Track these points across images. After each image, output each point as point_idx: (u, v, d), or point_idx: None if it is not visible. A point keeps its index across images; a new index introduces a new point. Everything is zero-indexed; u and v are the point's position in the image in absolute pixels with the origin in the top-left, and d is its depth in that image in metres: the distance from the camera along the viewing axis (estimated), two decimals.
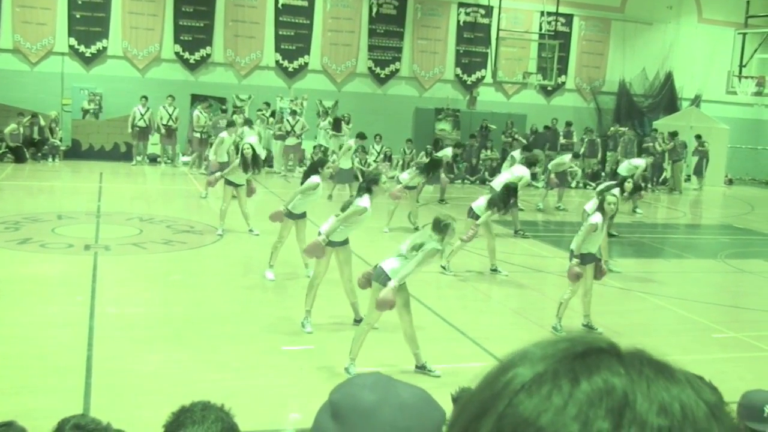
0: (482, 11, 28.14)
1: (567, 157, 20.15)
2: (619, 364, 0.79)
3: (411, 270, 7.71)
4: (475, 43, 28.34)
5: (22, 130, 22.60)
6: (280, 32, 26.20)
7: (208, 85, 25.61)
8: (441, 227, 7.91)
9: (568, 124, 27.00)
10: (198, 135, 23.43)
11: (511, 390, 0.79)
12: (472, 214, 12.30)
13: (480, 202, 12.36)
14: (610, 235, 15.86)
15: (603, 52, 30.21)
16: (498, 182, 15.22)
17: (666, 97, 30.71)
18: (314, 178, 10.76)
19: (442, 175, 19.09)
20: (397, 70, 27.58)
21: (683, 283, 13.63)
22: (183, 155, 24.43)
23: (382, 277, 7.73)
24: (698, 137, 27.21)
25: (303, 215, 11.21)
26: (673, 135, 26.55)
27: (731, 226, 20.87)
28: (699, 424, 0.76)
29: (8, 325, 8.73)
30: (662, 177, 27.42)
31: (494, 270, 12.63)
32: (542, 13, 28.21)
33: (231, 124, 19.23)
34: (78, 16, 24.41)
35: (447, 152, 19.61)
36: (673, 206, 24.56)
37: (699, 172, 28.17)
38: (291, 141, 23.27)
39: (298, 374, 7.82)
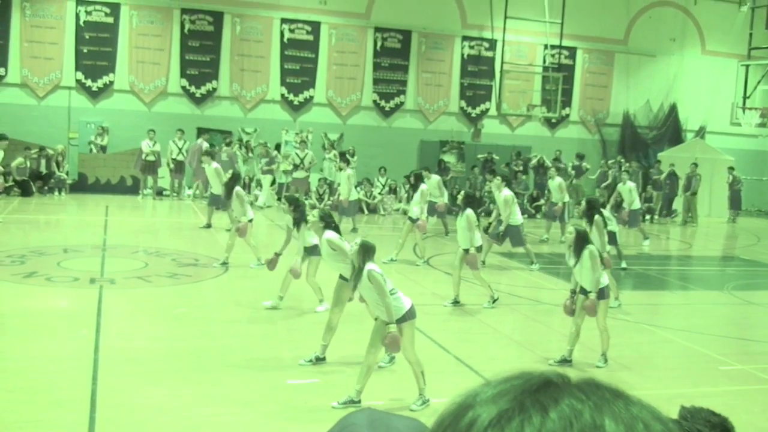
0: (486, 44, 28.34)
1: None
2: (579, 391, 0.81)
3: (387, 301, 7.67)
4: (479, 76, 28.52)
5: (29, 163, 22.75)
6: (286, 66, 26.40)
7: (214, 118, 25.78)
8: (368, 250, 7.92)
9: (580, 157, 26.86)
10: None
11: (477, 429, 0.80)
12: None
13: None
14: (622, 269, 15.93)
15: (607, 84, 30.35)
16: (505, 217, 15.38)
17: (670, 129, 30.78)
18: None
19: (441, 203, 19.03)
20: (402, 103, 27.73)
21: (690, 315, 13.56)
22: (189, 188, 24.51)
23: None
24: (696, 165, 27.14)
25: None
26: (695, 166, 26.61)
27: (738, 258, 20.81)
28: None
29: (13, 359, 8.71)
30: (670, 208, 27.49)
31: (457, 303, 12.53)
32: (546, 46, 28.39)
33: (210, 154, 19.13)
34: (85, 50, 24.65)
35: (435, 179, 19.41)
36: (679, 238, 24.51)
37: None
38: (299, 174, 23.32)
39: (303, 408, 7.78)
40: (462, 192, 13.55)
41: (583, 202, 13.13)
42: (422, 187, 16.23)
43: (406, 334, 7.77)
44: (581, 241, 9.63)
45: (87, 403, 7.35)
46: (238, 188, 14.28)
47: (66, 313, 10.89)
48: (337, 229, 9.56)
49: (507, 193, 16.06)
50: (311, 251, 11.21)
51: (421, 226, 15.78)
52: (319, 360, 9.04)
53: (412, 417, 1.56)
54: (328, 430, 1.59)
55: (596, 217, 12.26)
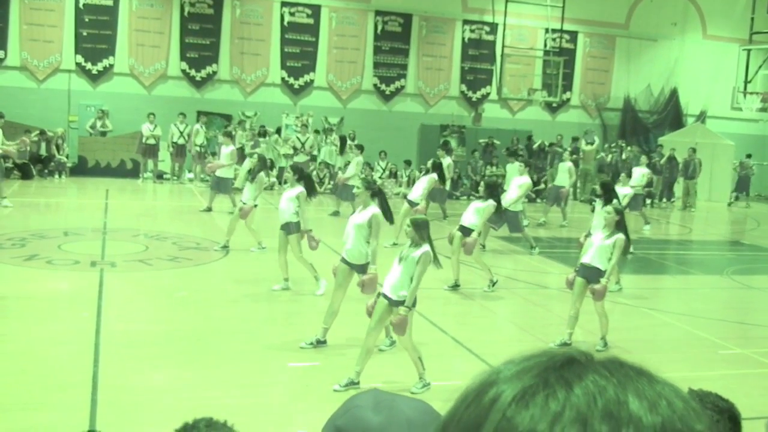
0: (487, 28, 28.25)
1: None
2: (603, 368, 0.82)
3: (417, 285, 7.74)
4: (480, 60, 28.45)
5: (29, 147, 22.70)
6: (286, 49, 26.33)
7: (214, 102, 25.74)
8: (420, 226, 7.93)
9: (575, 139, 27.00)
10: (197, 150, 23.60)
11: (501, 404, 0.80)
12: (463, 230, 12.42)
13: (471, 218, 12.44)
14: (630, 253, 16.00)
15: (608, 68, 30.28)
16: (509, 199, 15.36)
17: (671, 113, 30.74)
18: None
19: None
20: (403, 87, 27.68)
21: (689, 299, 13.59)
22: (189, 172, 24.50)
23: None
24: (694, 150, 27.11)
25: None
26: (693, 151, 26.59)
27: (738, 242, 20.83)
28: (685, 418, 0.79)
29: (14, 342, 8.74)
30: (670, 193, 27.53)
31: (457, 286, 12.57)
32: (547, 30, 28.31)
33: (230, 135, 19.21)
34: (85, 33, 24.57)
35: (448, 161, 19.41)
36: (679, 222, 24.53)
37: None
38: (300, 158, 23.28)
39: (304, 391, 7.81)
40: (484, 182, 13.67)
41: (599, 186, 13.22)
42: (432, 174, 16.29)
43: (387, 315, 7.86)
44: (622, 222, 9.70)
45: (88, 386, 7.38)
46: (261, 173, 14.17)
47: (67, 296, 10.91)
48: (382, 201, 9.48)
49: (527, 179, 16.09)
50: (289, 228, 11.26)
51: (419, 210, 15.75)
52: (320, 343, 9.06)
53: (418, 399, 1.57)
54: (334, 412, 1.60)
55: (614, 201, 12.34)
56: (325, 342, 9.08)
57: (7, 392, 7.23)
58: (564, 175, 20.02)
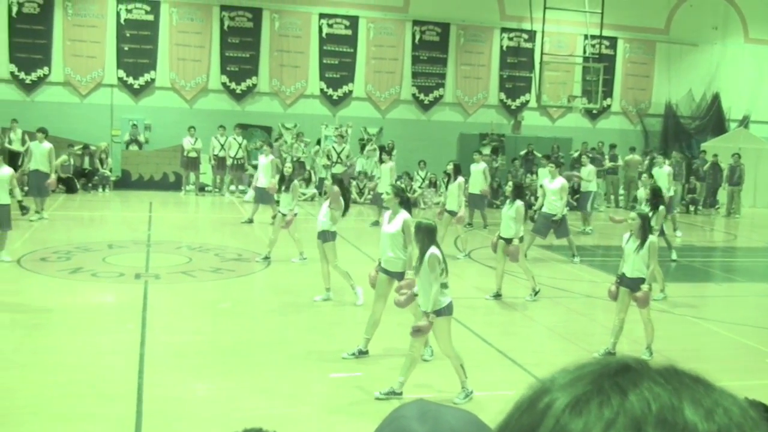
0: (525, 36, 28.15)
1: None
2: (658, 376, 0.82)
3: (436, 290, 7.73)
4: (518, 68, 28.35)
5: (73, 161, 23.12)
6: (325, 61, 26.48)
7: (255, 114, 25.94)
8: (421, 230, 7.93)
9: (612, 146, 26.79)
10: (234, 162, 23.85)
11: (555, 411, 0.80)
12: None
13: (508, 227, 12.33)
14: (673, 261, 15.85)
15: (648, 74, 29.99)
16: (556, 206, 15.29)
17: (713, 119, 30.32)
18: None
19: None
20: (441, 96, 27.67)
21: (735, 307, 13.39)
22: (231, 184, 24.71)
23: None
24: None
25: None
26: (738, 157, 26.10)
27: None
28: (742, 426, 0.78)
29: (61, 353, 8.87)
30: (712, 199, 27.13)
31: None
32: (586, 37, 28.11)
33: (270, 145, 19.52)
34: (126, 48, 24.94)
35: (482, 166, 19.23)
36: (724, 229, 24.17)
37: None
38: (338, 169, 23.37)
39: (347, 402, 7.81)
40: (511, 182, 13.39)
41: (648, 190, 13.12)
42: (459, 179, 16.12)
43: (442, 328, 7.79)
44: (645, 228, 9.56)
45: (134, 397, 7.46)
46: (296, 181, 14.30)
47: (112, 308, 11.05)
48: (409, 208, 9.51)
49: (562, 181, 15.82)
50: (325, 237, 11.37)
51: (460, 218, 15.74)
52: (362, 353, 9.07)
53: (464, 409, 1.56)
54: (380, 423, 1.59)
55: (661, 207, 12.24)
56: (366, 352, 9.09)
57: (54, 403, 7.33)
58: (584, 177, 19.98)
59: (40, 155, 17.53)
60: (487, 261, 14.71)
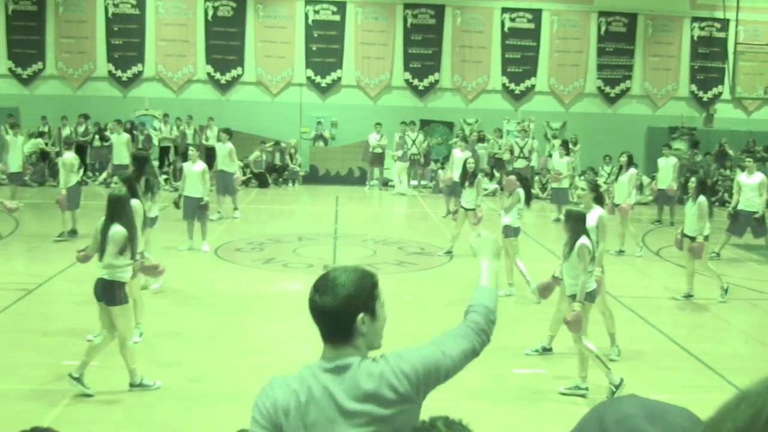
0: (717, 25, 26.81)
1: None
2: None
3: (584, 280, 7.60)
4: (710, 59, 27.04)
5: (265, 157, 24.22)
6: (507, 55, 26.31)
7: (437, 110, 26.19)
8: (571, 218, 7.83)
9: None
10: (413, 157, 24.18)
11: None
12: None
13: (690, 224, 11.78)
14: None
15: None
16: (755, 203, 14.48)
17: None
18: None
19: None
20: (628, 89, 26.85)
21: None
22: (412, 179, 25.05)
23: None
24: None
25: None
26: None
27: None
28: None
29: (254, 339, 9.33)
30: None
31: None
32: None
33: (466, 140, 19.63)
34: (314, 48, 25.81)
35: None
36: None
37: None
38: (520, 163, 23.19)
39: (531, 398, 7.78)
40: (694, 178, 12.78)
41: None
42: (631, 171, 15.48)
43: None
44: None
45: None
46: (479, 176, 14.38)
47: (302, 297, 11.44)
48: (602, 204, 9.34)
49: (761, 176, 14.85)
50: (506, 232, 11.43)
51: (623, 210, 15.05)
52: (546, 350, 8.99)
53: (681, 406, 1.52)
54: (585, 421, 1.57)
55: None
56: (550, 350, 9.00)
57: (247, 386, 7.67)
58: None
59: (222, 156, 17.69)
60: (676, 259, 14.17)
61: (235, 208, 18.06)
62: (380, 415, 2.73)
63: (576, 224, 7.79)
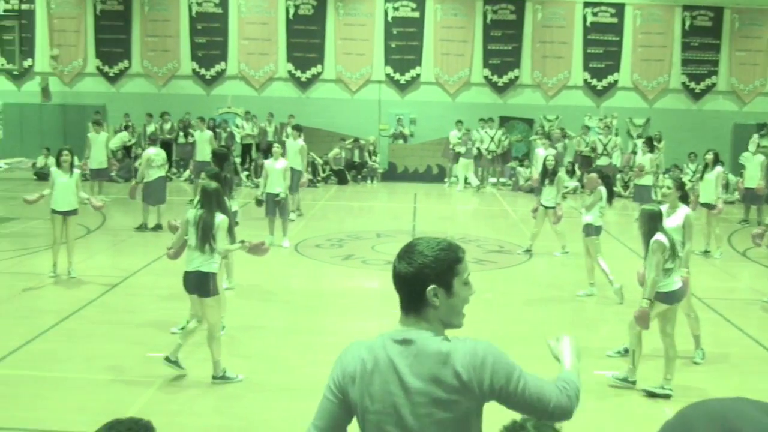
0: None
1: None
2: None
3: (652, 276, 7.48)
4: None
5: (344, 154, 24.40)
6: (588, 51, 25.93)
7: (516, 106, 25.97)
8: (646, 217, 7.73)
9: None
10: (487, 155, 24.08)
11: None
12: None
13: None
14: None
15: None
16: None
17: None
18: None
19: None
20: (714, 85, 26.17)
21: None
22: (492, 176, 24.92)
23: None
24: None
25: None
26: None
27: None
28: None
29: (331, 334, 9.42)
30: None
31: None
32: None
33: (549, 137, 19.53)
34: (393, 45, 25.88)
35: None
36: None
37: None
38: (603, 161, 22.82)
39: (613, 400, 7.66)
40: None
41: None
42: (717, 169, 15.00)
43: (662, 314, 7.68)
44: None
45: None
46: (560, 173, 14.19)
47: (380, 294, 11.54)
48: (686, 200, 9.16)
49: None
50: (588, 231, 11.26)
51: (718, 210, 14.63)
52: (627, 352, 8.82)
53: None
54: (729, 414, 1.49)
55: None
56: None
57: (325, 381, 7.75)
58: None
59: (292, 153, 17.01)
60: (763, 260, 13.77)
61: (293, 210, 17.55)
62: (438, 398, 2.70)
63: (649, 221, 7.70)
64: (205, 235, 7.71)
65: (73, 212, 11.83)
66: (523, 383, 2.77)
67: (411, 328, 2.78)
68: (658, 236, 7.59)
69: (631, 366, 7.88)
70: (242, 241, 8.39)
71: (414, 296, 2.78)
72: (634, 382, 7.85)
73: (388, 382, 2.73)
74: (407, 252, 2.81)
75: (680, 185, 8.95)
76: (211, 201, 7.84)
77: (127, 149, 23.92)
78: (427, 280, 2.75)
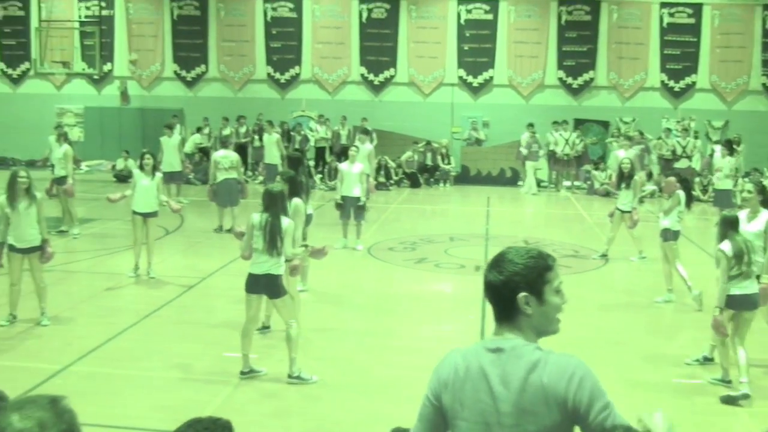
0: None
1: None
2: None
3: (722, 285, 7.55)
4: None
5: (416, 157, 24.43)
6: (665, 52, 25.43)
7: (591, 109, 25.63)
8: (722, 222, 7.75)
9: None
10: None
11: None
12: None
13: None
14: None
15: None
16: None
17: None
18: None
19: None
20: None
21: None
22: (566, 180, 24.64)
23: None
24: None
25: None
26: None
27: None
28: None
29: (406, 338, 9.45)
30: None
31: None
32: None
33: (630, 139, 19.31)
34: (466, 48, 25.81)
35: None
36: None
37: None
38: (682, 163, 22.38)
39: (692, 410, 7.50)
40: None
41: None
42: None
43: (735, 319, 7.68)
44: None
45: None
46: (636, 177, 13.98)
47: (453, 298, 11.54)
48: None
49: None
50: (665, 236, 11.07)
51: None
52: (707, 360, 8.64)
53: None
54: None
55: None
56: (712, 359, 8.64)
57: (394, 384, 7.77)
58: None
59: (361, 156, 16.67)
60: None
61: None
62: (524, 408, 2.69)
63: (723, 227, 7.67)
64: (273, 239, 7.81)
65: (154, 214, 12.12)
66: (606, 417, 2.65)
67: (504, 337, 2.79)
68: (723, 244, 7.55)
69: (724, 368, 7.93)
70: (305, 245, 8.50)
71: (506, 305, 2.80)
72: (729, 382, 7.84)
73: (479, 390, 2.75)
74: (497, 261, 2.83)
75: (761, 189, 8.73)
76: (277, 204, 7.93)
77: (205, 152, 24.33)
78: (517, 288, 2.76)
